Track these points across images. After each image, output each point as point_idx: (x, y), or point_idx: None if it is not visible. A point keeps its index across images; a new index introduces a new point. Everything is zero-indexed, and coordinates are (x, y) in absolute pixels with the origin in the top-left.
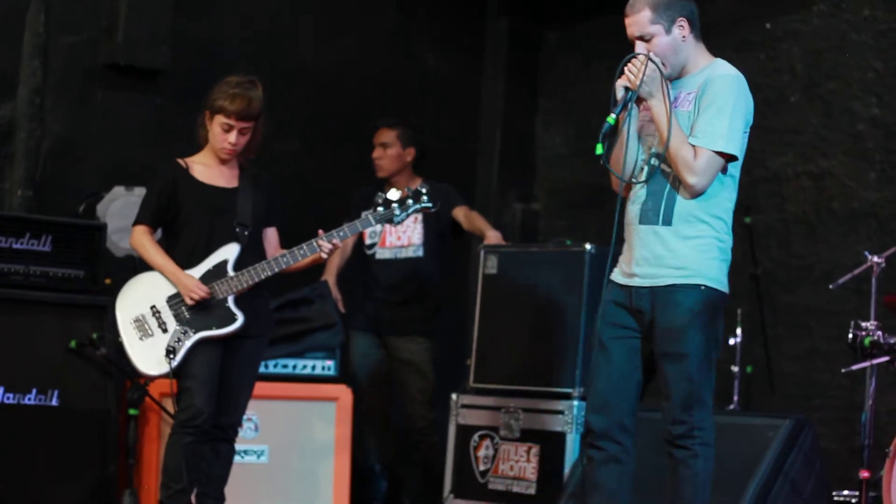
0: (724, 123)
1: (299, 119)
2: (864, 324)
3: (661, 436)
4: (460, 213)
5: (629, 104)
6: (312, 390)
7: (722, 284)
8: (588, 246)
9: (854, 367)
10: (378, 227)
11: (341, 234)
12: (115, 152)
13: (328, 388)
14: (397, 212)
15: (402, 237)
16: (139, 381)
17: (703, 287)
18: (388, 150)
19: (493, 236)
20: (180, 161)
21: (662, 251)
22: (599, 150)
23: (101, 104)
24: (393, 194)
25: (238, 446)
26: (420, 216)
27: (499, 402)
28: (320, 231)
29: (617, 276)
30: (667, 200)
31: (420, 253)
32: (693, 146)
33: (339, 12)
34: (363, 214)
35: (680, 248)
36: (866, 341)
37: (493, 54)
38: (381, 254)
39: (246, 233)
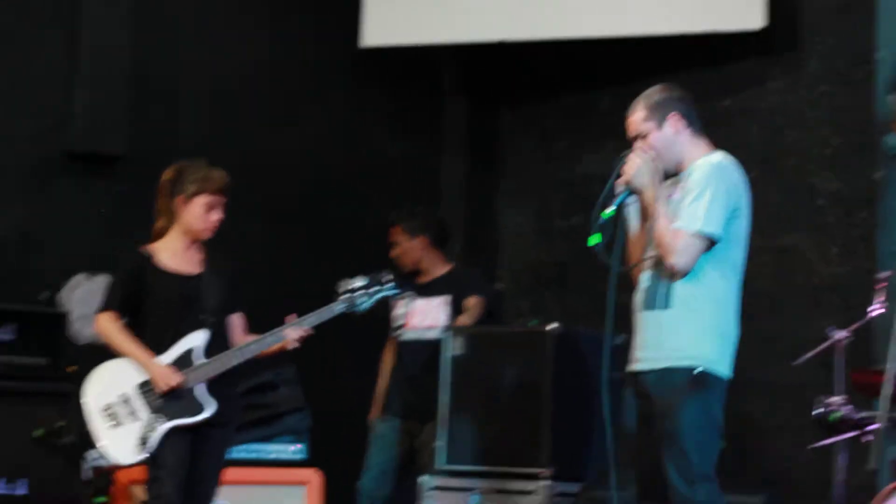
0: (702, 205)
1: (258, 203)
2: (830, 399)
3: None
4: (469, 304)
5: (625, 199)
6: (282, 475)
7: (718, 364)
8: (553, 326)
9: (822, 443)
10: (401, 311)
11: (308, 321)
12: (76, 239)
13: (298, 472)
14: (362, 299)
15: (427, 318)
16: (106, 469)
17: (696, 369)
18: (401, 247)
19: (461, 319)
20: (143, 249)
21: (661, 335)
22: (592, 241)
23: (61, 191)
24: (358, 281)
25: None
26: (448, 298)
27: (468, 484)
28: (288, 317)
29: (630, 364)
30: (664, 286)
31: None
32: (675, 229)
33: (296, 95)
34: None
35: (677, 331)
36: (832, 417)
37: (452, 133)
38: (407, 335)
39: (212, 320)
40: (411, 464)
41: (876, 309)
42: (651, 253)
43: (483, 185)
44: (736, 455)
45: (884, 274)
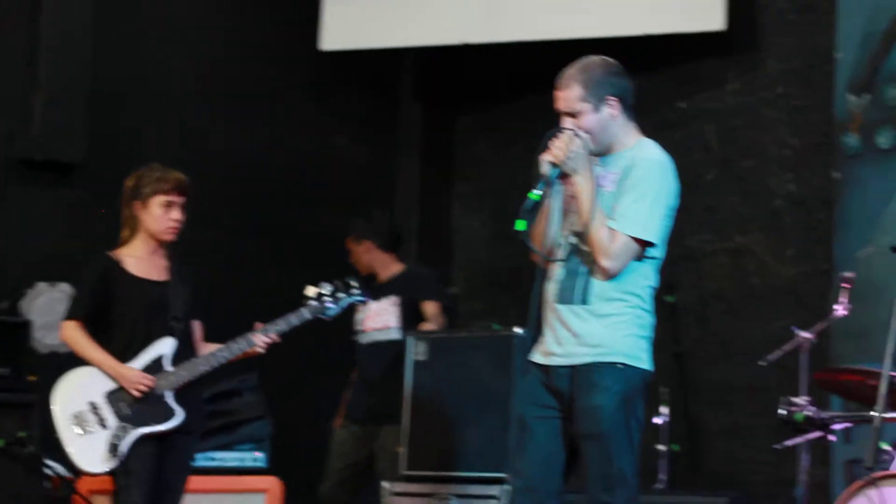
0: (644, 209)
1: (216, 209)
2: (795, 399)
3: None
4: (427, 309)
5: (553, 180)
6: (242, 483)
7: (640, 361)
8: (517, 330)
9: (788, 443)
10: (360, 315)
11: (276, 328)
12: (36, 248)
13: (257, 479)
14: (329, 305)
15: (378, 320)
16: (67, 479)
17: (620, 365)
18: (353, 254)
19: (425, 325)
20: (111, 254)
21: (580, 330)
22: (520, 225)
23: (19, 199)
24: (325, 288)
25: None
26: (398, 299)
27: (431, 489)
28: (257, 324)
29: (536, 356)
30: (584, 280)
31: (398, 336)
32: (611, 229)
33: (252, 100)
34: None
35: (596, 326)
36: (799, 417)
37: (408, 138)
38: (363, 338)
39: (180, 327)
40: (371, 469)
41: (839, 310)
42: (570, 241)
43: (438, 188)
44: (691, 456)
45: (848, 274)
